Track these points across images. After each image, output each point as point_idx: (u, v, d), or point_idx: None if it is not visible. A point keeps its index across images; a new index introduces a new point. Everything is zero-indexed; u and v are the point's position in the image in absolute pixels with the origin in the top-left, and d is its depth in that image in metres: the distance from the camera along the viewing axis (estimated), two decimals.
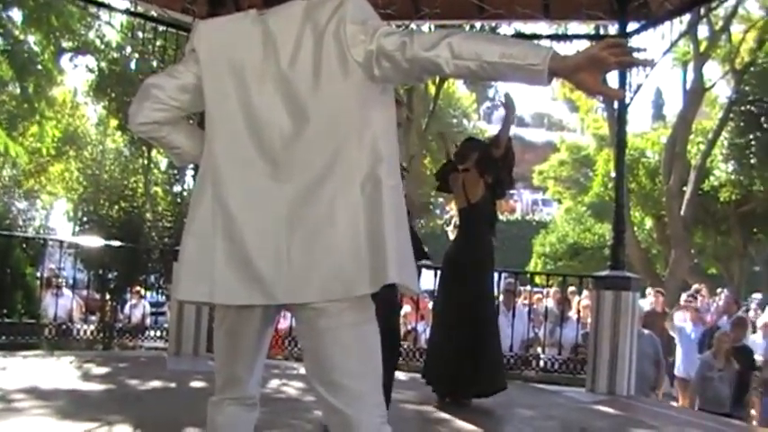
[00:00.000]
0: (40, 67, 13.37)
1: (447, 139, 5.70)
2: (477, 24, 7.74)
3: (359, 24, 1.73)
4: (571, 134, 38.25)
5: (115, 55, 18.65)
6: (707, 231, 19.00)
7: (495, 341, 4.98)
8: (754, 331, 8.67)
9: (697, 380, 7.14)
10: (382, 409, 1.78)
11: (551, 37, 6.78)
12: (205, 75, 1.83)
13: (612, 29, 6.54)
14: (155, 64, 10.97)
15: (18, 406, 4.06)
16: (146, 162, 18.91)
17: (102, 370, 5.57)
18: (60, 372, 5.37)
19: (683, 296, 10.12)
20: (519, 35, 6.89)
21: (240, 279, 1.73)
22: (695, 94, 16.34)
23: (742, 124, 17.08)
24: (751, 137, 16.97)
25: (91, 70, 19.10)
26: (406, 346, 7.41)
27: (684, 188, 16.68)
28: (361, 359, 1.75)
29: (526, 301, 9.57)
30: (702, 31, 16.34)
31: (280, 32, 1.77)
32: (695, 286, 11.53)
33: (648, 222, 20.74)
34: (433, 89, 17.88)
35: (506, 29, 7.25)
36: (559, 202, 31.58)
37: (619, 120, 6.75)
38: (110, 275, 11.08)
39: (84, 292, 10.41)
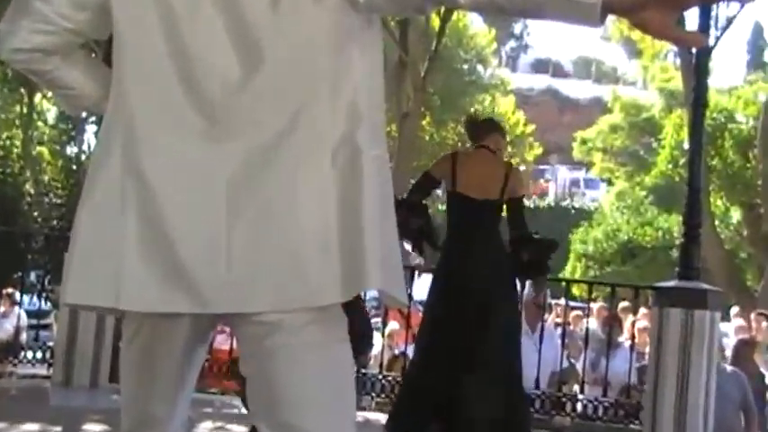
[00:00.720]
0: None
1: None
2: None
3: None
4: (629, 89, 38.43)
5: None
6: None
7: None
8: None
9: None
10: None
11: None
12: None
13: None
14: None
15: None
16: (25, 111, 18.77)
17: None
18: None
19: None
20: None
21: (159, 277, 1.72)
22: None
23: None
24: None
25: None
26: (391, 378, 7.43)
27: None
28: (325, 393, 1.75)
29: (559, 320, 9.61)
30: None
31: None
32: None
33: (736, 214, 20.90)
34: (437, 23, 17.86)
35: None
36: (609, 183, 31.78)
37: (697, 69, 6.77)
38: None
39: None
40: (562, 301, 10.37)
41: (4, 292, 10.58)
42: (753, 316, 10.05)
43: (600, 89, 44.08)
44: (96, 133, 10.79)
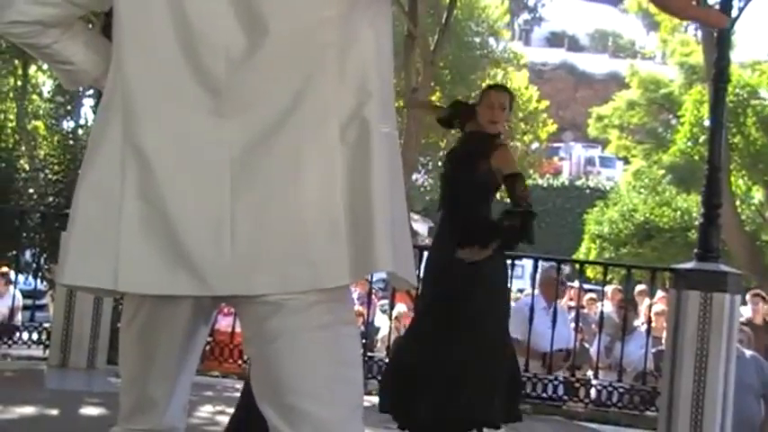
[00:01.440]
0: None
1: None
2: None
3: None
4: (647, 63, 38.24)
5: None
6: None
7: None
8: None
9: None
10: None
11: None
12: None
13: None
14: None
15: None
16: (19, 83, 18.77)
17: None
18: None
19: None
20: None
21: (160, 258, 1.72)
22: None
23: None
24: None
25: None
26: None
27: None
28: (329, 375, 1.76)
29: (573, 303, 9.63)
30: None
31: None
32: None
33: (758, 194, 20.83)
34: None
35: None
36: (626, 161, 31.67)
37: (719, 43, 6.74)
38: None
39: None
40: (576, 284, 10.42)
41: None
42: (748, 297, 9.99)
43: (617, 64, 43.85)
44: (94, 107, 10.78)
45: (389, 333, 8.43)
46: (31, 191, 12.67)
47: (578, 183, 34.95)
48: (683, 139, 22.31)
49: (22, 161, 13.74)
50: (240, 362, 7.49)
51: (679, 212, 23.33)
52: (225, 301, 1.91)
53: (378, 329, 10.02)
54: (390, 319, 8.83)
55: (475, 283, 4.94)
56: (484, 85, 20.37)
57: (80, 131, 13.21)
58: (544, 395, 7.19)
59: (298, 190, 1.70)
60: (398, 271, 1.74)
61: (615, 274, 13.71)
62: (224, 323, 7.75)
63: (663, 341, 7.43)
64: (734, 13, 6.44)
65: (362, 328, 8.17)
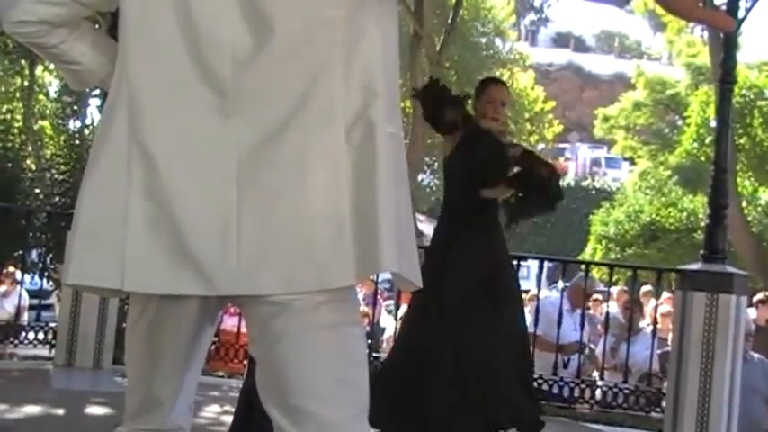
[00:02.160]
0: None
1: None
2: None
3: None
4: (653, 64, 38.20)
5: None
6: None
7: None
8: None
9: None
10: None
11: None
12: None
13: None
14: None
15: None
16: (26, 83, 18.80)
17: None
18: None
19: None
20: None
21: (166, 258, 1.73)
22: None
23: None
24: None
25: None
26: None
27: None
28: (335, 375, 1.76)
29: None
30: None
31: None
32: None
33: (765, 195, 20.81)
34: None
35: None
36: (632, 162, 31.65)
37: (726, 44, 6.74)
38: None
39: None
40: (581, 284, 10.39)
41: (5, 270, 10.61)
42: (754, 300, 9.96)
43: (623, 64, 43.78)
44: (100, 107, 10.78)
45: (395, 333, 8.42)
46: (37, 191, 12.69)
47: (584, 183, 34.87)
48: (690, 140, 22.29)
49: (28, 161, 13.76)
50: (245, 362, 7.49)
51: (685, 213, 23.29)
52: (231, 300, 1.91)
53: (383, 330, 10.03)
54: (396, 319, 8.83)
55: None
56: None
57: (86, 131, 13.24)
58: (551, 395, 7.17)
59: (304, 190, 1.70)
60: (403, 272, 1.75)
61: (621, 275, 13.67)
62: (229, 323, 7.76)
63: (668, 342, 7.42)
64: (740, 13, 6.43)
65: (368, 328, 8.19)
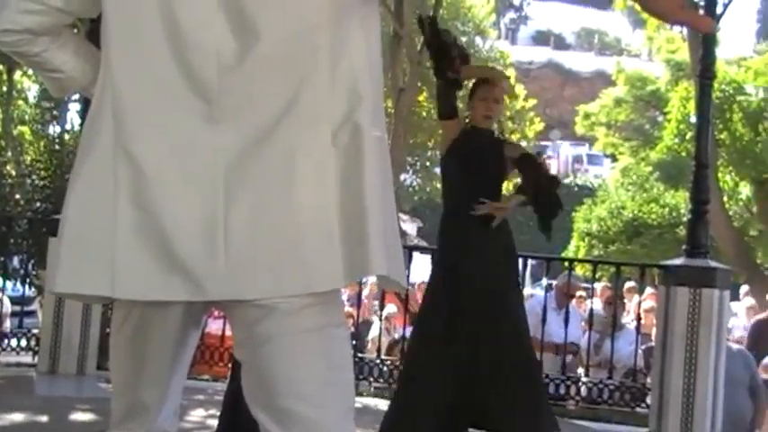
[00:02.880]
0: None
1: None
2: None
3: None
4: (633, 60, 38.31)
5: None
6: None
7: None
8: None
9: None
10: None
11: None
12: None
13: None
14: None
15: None
16: (5, 89, 18.71)
17: None
18: None
19: None
20: None
21: (154, 264, 1.73)
22: None
23: None
24: None
25: None
26: (389, 363, 7.47)
27: None
28: (321, 377, 1.77)
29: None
30: None
31: None
32: None
33: (745, 190, 20.88)
34: None
35: None
36: (614, 158, 31.74)
37: (705, 40, 6.76)
38: None
39: None
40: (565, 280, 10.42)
41: None
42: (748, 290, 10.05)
43: (603, 61, 43.90)
44: (80, 112, 10.74)
45: (380, 334, 8.43)
46: (17, 197, 12.62)
47: (566, 181, 34.86)
48: (671, 136, 22.37)
49: (8, 167, 13.66)
50: (230, 365, 7.47)
51: (667, 209, 23.38)
52: (216, 305, 1.91)
53: (368, 330, 10.03)
54: (381, 319, 8.83)
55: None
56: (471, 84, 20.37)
57: (66, 136, 13.18)
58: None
59: (291, 194, 1.71)
60: (391, 274, 1.75)
61: (604, 272, 13.74)
62: (214, 326, 7.73)
63: (652, 338, 7.46)
64: (718, 9, 6.45)
65: (353, 329, 8.18)
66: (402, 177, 22.23)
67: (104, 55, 1.82)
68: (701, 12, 6.50)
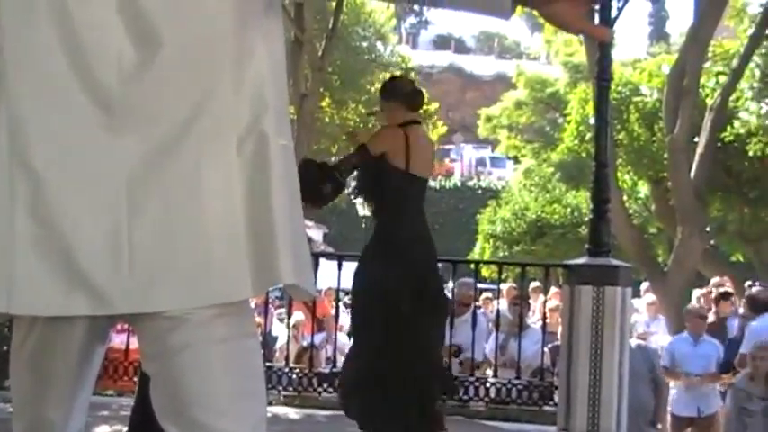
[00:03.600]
0: None
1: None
2: None
3: None
4: (532, 63, 38.97)
5: None
6: (729, 200, 19.39)
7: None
8: None
9: (731, 416, 7.23)
10: None
11: None
12: None
13: None
14: None
15: None
16: None
17: None
18: None
19: (696, 294, 10.49)
20: None
21: (55, 278, 1.68)
22: (714, 2, 16.26)
23: None
24: None
25: None
26: (298, 371, 7.45)
27: (696, 139, 16.96)
28: (234, 389, 1.76)
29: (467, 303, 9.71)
30: None
31: None
32: (715, 279, 11.89)
33: (644, 188, 21.35)
34: None
35: None
36: (516, 160, 32.19)
37: (601, 43, 6.90)
38: None
39: None
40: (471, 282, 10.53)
41: None
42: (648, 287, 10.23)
43: (503, 65, 44.59)
44: None
45: (288, 342, 8.40)
46: None
47: (470, 183, 35.40)
48: (570, 137, 22.73)
49: None
50: (136, 379, 7.36)
51: (569, 209, 23.85)
52: (121, 318, 1.88)
53: (275, 339, 9.99)
54: (288, 327, 8.80)
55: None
56: (374, 89, 20.49)
57: None
58: (444, 396, 7.24)
59: (196, 204, 1.69)
60: (301, 283, 1.75)
61: (510, 273, 13.92)
62: (117, 340, 7.59)
63: (558, 336, 7.59)
64: (613, 12, 6.59)
65: (261, 338, 8.14)
66: None
67: None
68: (597, 15, 6.66)
